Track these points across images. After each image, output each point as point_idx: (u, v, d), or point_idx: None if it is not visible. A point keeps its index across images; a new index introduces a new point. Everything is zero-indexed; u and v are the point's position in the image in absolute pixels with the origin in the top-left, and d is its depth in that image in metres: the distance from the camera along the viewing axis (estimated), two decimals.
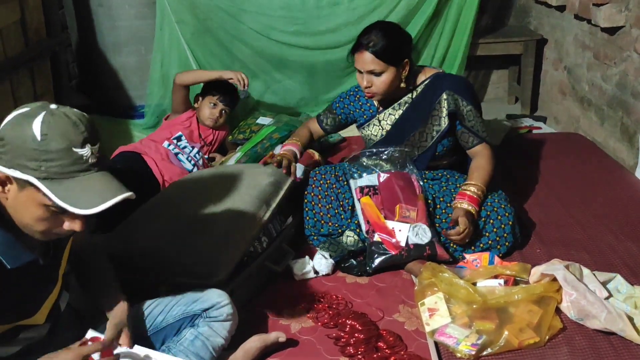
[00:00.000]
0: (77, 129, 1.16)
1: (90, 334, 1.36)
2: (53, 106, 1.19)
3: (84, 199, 1.15)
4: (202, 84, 2.89)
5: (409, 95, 2.20)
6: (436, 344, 1.66)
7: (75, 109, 1.21)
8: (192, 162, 2.74)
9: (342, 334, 1.68)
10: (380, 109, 2.26)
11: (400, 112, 2.21)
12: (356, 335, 1.66)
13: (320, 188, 2.15)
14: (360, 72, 2.10)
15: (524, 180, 2.58)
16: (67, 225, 1.21)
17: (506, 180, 2.39)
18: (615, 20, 2.68)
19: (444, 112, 2.09)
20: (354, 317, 1.73)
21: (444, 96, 2.09)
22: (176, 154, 2.70)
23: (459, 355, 1.60)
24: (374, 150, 2.19)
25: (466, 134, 2.13)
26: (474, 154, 2.15)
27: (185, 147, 2.74)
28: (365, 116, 2.30)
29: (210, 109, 2.81)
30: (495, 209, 2.03)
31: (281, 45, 3.30)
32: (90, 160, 1.18)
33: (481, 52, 3.57)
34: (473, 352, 1.58)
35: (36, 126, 1.14)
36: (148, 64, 3.34)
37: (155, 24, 3.24)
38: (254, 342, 1.60)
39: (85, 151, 1.17)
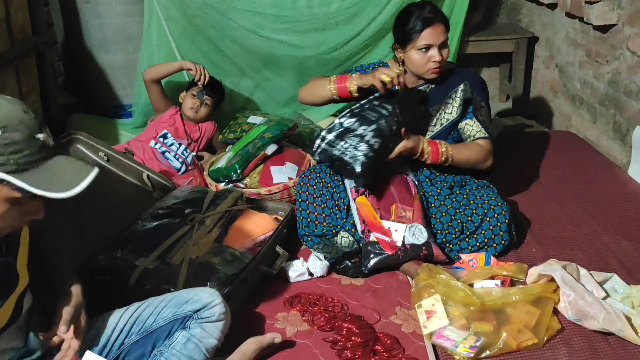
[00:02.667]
0: (29, 115, 1.13)
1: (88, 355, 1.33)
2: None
3: (60, 183, 1.12)
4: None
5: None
6: (434, 346, 1.64)
7: (7, 96, 1.17)
8: (180, 159, 2.72)
9: (339, 338, 1.65)
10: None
11: None
12: (353, 338, 1.63)
13: (315, 187, 2.11)
14: (425, 49, 2.03)
15: (516, 178, 2.57)
16: (30, 216, 1.18)
17: (499, 179, 2.37)
18: (607, 18, 2.67)
19: (459, 101, 2.10)
20: (351, 320, 1.70)
21: (462, 86, 2.10)
22: (163, 152, 2.69)
23: (457, 358, 1.58)
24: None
25: (470, 126, 2.11)
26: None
27: (172, 144, 2.74)
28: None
29: (191, 99, 2.82)
30: (492, 207, 2.01)
31: (271, 43, 3.26)
32: (50, 144, 1.15)
33: (472, 49, 3.56)
34: (472, 355, 1.56)
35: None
36: (136, 62, 3.28)
37: (143, 21, 3.19)
38: (250, 345, 1.57)
39: (43, 136, 1.14)
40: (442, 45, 2.05)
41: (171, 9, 3.13)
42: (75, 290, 1.39)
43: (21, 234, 1.33)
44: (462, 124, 2.12)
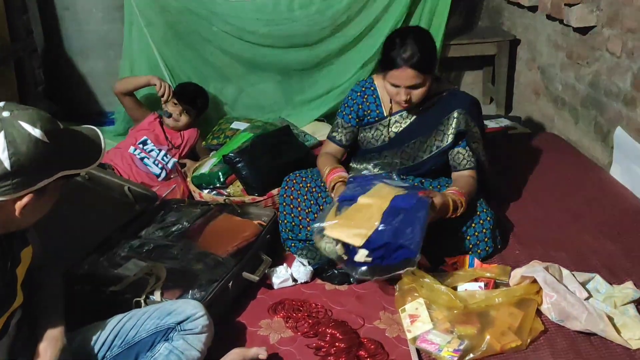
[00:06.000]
0: (47, 114, 1.20)
1: None
2: (4, 110, 1.15)
3: (87, 156, 1.25)
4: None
5: (420, 105, 2.11)
6: (418, 350, 1.63)
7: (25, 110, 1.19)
8: (160, 165, 2.71)
9: (323, 344, 1.64)
10: (392, 112, 2.16)
11: (409, 121, 2.14)
12: (337, 344, 1.62)
13: (299, 192, 2.09)
14: (396, 86, 1.99)
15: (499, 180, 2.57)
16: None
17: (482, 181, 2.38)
18: (587, 20, 2.70)
19: (451, 129, 2.02)
20: (334, 325, 1.70)
21: (455, 114, 2.02)
22: (142, 159, 2.68)
23: None
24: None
25: (462, 154, 2.05)
26: (460, 176, 2.07)
27: (152, 150, 2.73)
28: (370, 117, 2.20)
29: (172, 107, 2.82)
30: (478, 212, 2.00)
31: (253, 47, 3.25)
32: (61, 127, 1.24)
33: (455, 53, 3.58)
34: (455, 358, 1.55)
35: (33, 130, 1.13)
36: (117, 69, 3.26)
37: (124, 28, 3.17)
38: (234, 356, 1.55)
39: (59, 126, 1.22)
40: (413, 87, 1.98)
41: (151, 14, 3.12)
42: (59, 333, 1.36)
43: (23, 251, 1.32)
44: (453, 151, 2.07)
